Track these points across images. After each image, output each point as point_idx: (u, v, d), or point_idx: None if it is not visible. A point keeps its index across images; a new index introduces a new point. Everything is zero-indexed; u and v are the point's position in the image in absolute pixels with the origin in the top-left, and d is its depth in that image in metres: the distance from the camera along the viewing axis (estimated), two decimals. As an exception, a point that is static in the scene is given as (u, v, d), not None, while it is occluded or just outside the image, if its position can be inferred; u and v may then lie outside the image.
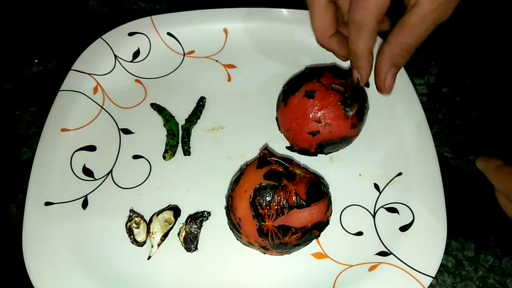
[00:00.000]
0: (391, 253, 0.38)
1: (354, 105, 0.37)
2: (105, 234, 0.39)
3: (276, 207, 0.32)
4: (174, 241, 0.39)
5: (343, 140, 0.39)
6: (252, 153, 0.43)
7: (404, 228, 0.39)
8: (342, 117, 0.37)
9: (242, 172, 0.36)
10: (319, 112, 0.37)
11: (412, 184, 0.41)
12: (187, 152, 0.43)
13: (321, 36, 0.38)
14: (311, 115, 0.37)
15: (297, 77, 0.40)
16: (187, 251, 0.38)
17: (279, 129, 0.42)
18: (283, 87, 0.41)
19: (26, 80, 0.50)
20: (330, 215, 0.35)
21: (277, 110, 0.41)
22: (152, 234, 0.38)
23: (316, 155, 0.40)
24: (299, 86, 0.38)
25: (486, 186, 0.35)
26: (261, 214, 0.32)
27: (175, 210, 0.40)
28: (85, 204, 0.40)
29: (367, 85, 0.42)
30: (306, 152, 0.40)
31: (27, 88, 0.49)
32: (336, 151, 0.41)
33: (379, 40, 0.40)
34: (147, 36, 0.49)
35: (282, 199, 0.32)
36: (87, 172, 0.42)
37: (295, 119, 0.38)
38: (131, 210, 0.40)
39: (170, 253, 0.38)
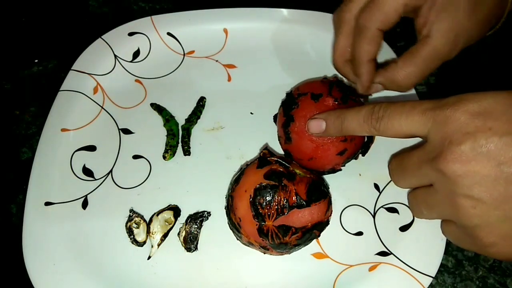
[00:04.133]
0: (391, 253, 0.38)
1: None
2: (105, 234, 0.39)
3: (276, 207, 0.32)
4: (174, 241, 0.39)
5: (362, 146, 0.39)
6: (252, 153, 0.43)
7: (404, 228, 0.39)
8: None
9: (242, 172, 0.36)
10: None
11: (412, 184, 0.41)
12: (187, 152, 0.43)
13: (337, 57, 0.38)
14: (336, 137, 0.36)
15: (298, 104, 0.37)
16: (187, 251, 0.38)
17: (292, 159, 0.39)
18: (285, 118, 0.38)
19: (26, 80, 0.50)
20: (330, 215, 0.35)
21: (284, 143, 0.39)
22: (152, 234, 0.38)
23: (341, 170, 0.40)
24: (312, 109, 0.36)
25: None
26: (261, 214, 0.32)
27: (175, 210, 0.40)
28: (85, 204, 0.40)
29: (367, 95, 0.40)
30: (332, 171, 0.40)
31: (27, 88, 0.49)
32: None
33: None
34: (147, 36, 0.49)
35: (282, 199, 0.32)
36: (87, 172, 0.42)
37: (320, 146, 0.36)
38: (131, 210, 0.40)
39: (170, 253, 0.38)
